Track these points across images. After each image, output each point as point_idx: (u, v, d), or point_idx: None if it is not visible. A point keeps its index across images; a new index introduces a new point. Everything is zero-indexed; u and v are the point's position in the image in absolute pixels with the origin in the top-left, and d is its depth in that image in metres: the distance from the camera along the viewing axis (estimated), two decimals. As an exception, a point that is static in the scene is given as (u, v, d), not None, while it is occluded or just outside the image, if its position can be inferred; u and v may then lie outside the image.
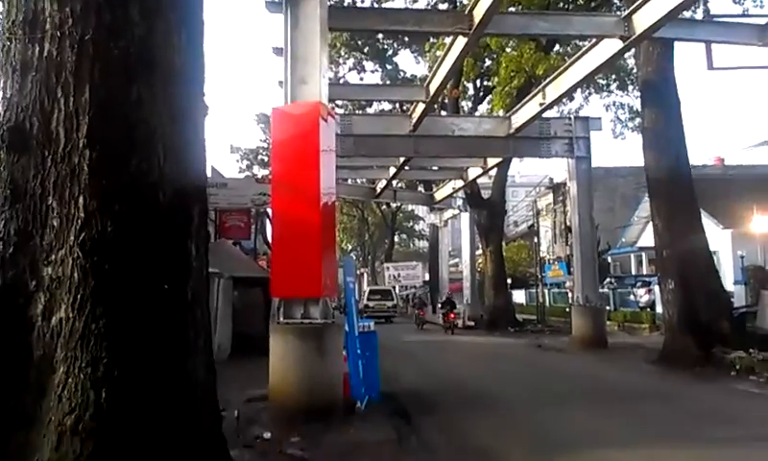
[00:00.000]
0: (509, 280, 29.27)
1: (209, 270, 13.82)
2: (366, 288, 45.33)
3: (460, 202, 29.03)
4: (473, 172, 23.01)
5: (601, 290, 21.93)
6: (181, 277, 3.00)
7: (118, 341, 2.67)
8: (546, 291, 31.46)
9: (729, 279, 19.30)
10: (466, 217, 29.60)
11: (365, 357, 8.84)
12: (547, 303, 30.15)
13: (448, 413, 8.37)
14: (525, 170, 44.51)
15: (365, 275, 68.20)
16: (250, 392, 9.84)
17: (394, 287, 46.87)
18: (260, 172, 32.60)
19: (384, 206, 47.73)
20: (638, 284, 25.63)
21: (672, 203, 13.75)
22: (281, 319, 7.88)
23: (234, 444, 6.58)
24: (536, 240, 31.30)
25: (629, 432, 7.02)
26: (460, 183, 24.72)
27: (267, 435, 7.01)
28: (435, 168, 24.52)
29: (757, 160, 34.11)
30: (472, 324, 25.90)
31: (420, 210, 47.38)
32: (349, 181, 30.83)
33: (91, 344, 2.66)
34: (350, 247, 62.14)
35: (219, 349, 13.70)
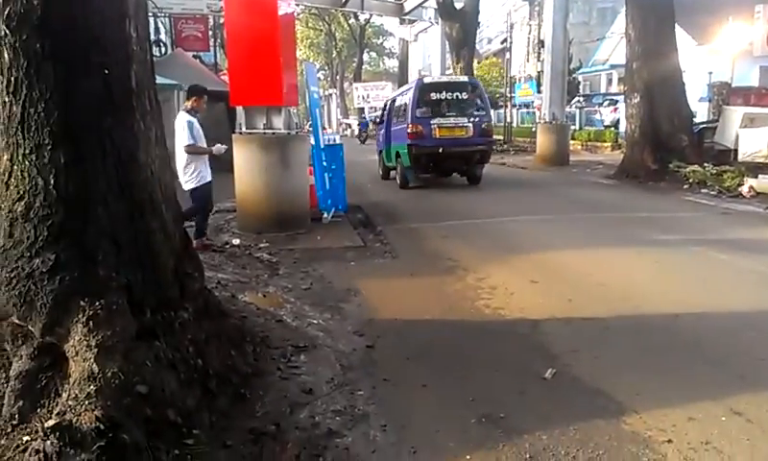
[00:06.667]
0: (479, 100, 28.86)
1: (167, 81, 13.06)
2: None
3: (432, 13, 27.55)
4: (446, -22, 21.56)
5: (568, 109, 21.97)
6: (122, 61, 2.81)
7: (61, 127, 2.56)
8: (515, 111, 31.37)
9: (697, 95, 19.34)
10: (437, 33, 28.28)
11: (331, 170, 8.93)
12: (515, 124, 30.25)
13: (411, 223, 8.72)
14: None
15: (333, 96, 66.28)
16: (218, 205, 9.98)
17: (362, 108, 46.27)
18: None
19: (352, 20, 45.14)
20: (606, 103, 25.63)
21: (647, 11, 13.22)
22: (244, 129, 7.77)
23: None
24: (508, 56, 30.44)
25: (577, 237, 7.46)
26: (432, -10, 23.26)
27: (236, 241, 7.25)
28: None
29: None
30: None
31: (391, 25, 45.03)
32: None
33: (32, 129, 2.54)
34: (318, 65, 59.64)
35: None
